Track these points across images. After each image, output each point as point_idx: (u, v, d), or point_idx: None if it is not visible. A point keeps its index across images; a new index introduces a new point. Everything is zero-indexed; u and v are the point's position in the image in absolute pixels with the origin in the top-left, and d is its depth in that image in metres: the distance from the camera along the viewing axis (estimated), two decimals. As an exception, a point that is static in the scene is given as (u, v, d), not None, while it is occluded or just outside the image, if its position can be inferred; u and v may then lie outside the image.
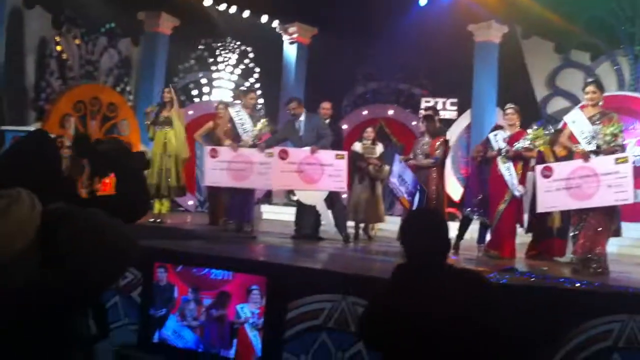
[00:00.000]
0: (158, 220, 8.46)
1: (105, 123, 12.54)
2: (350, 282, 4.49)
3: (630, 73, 12.78)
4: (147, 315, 5.02)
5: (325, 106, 8.27)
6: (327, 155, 7.69)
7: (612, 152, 6.11)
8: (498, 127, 7.59)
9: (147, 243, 5.46)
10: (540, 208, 6.75)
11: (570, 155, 7.52)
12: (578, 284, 4.73)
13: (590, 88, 6.43)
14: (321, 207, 7.95)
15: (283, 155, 7.62)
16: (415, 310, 2.50)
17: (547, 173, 6.56)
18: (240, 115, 8.04)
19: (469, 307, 2.50)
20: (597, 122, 6.22)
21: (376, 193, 8.81)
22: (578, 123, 6.39)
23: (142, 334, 5.04)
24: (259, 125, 7.98)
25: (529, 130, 7.13)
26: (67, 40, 13.43)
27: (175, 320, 4.90)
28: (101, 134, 12.37)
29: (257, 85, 15.56)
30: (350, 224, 8.69)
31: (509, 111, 7.37)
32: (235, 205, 8.12)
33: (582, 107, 6.59)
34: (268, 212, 13.32)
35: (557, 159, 7.44)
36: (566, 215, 7.23)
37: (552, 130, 6.86)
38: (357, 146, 8.87)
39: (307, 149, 7.68)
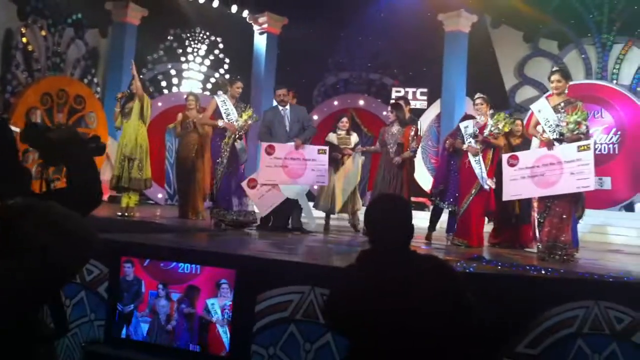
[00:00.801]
0: (126, 214, 8.36)
1: (72, 115, 12.36)
2: (319, 273, 4.48)
3: (597, 61, 12.94)
4: (113, 311, 4.96)
5: (280, 92, 8.14)
6: (310, 150, 7.86)
7: (576, 140, 6.18)
8: (468, 117, 7.64)
9: (113, 237, 5.40)
10: (506, 196, 6.81)
11: (524, 144, 7.63)
12: (544, 272, 4.78)
13: (554, 77, 6.49)
14: (303, 201, 8.11)
15: (270, 150, 7.67)
16: (378, 296, 2.48)
17: (512, 162, 6.62)
18: (226, 105, 7.85)
19: (432, 292, 2.48)
20: (562, 111, 6.29)
21: (374, 183, 8.72)
22: (543, 112, 6.46)
23: (109, 329, 4.98)
24: (245, 115, 7.77)
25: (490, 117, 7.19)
26: (33, 31, 13.18)
27: (143, 316, 4.85)
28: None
29: (227, 76, 15.45)
30: (321, 214, 8.72)
31: (477, 101, 7.42)
32: (220, 197, 7.87)
33: (548, 96, 6.66)
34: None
35: (512, 148, 7.53)
36: (525, 202, 7.33)
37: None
38: (332, 137, 8.83)
39: (292, 144, 7.74)
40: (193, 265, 4.75)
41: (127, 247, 5.16)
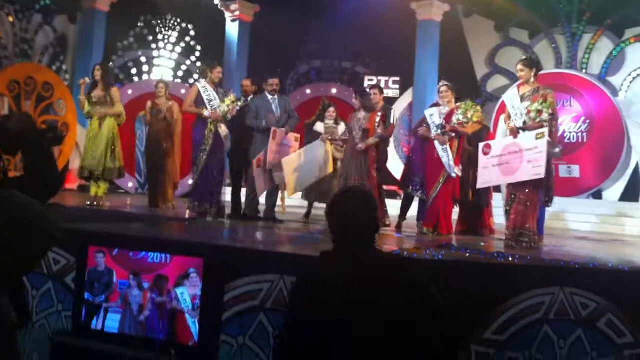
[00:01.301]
0: (95, 203, 8.26)
1: (40, 103, 12.13)
2: (288, 261, 4.47)
3: (567, 51, 13.08)
4: (81, 301, 4.90)
5: (273, 81, 8.06)
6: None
7: (537, 128, 6.20)
8: (435, 105, 7.67)
9: (80, 226, 5.34)
10: (479, 184, 6.88)
11: (482, 131, 7.68)
12: (510, 258, 4.83)
13: (518, 66, 6.55)
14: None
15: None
16: (340, 304, 2.36)
17: (486, 150, 6.67)
18: (207, 91, 7.66)
19: (399, 299, 2.39)
20: (527, 99, 6.33)
21: (337, 173, 8.61)
22: (512, 100, 6.53)
23: (77, 320, 4.92)
24: (227, 100, 7.59)
25: (459, 104, 7.22)
26: (0, 17, 12.93)
27: (115, 306, 4.79)
28: (36, 114, 11.98)
29: (198, 64, 15.30)
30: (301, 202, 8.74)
31: (442, 88, 7.47)
32: (203, 186, 7.71)
33: (519, 85, 6.68)
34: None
35: (472, 134, 7.56)
36: (483, 189, 7.39)
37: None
38: (319, 126, 8.77)
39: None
40: (162, 255, 4.71)
41: (94, 236, 5.10)
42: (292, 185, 8.03)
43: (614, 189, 12.15)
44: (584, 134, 12.16)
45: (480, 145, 6.82)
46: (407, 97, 14.14)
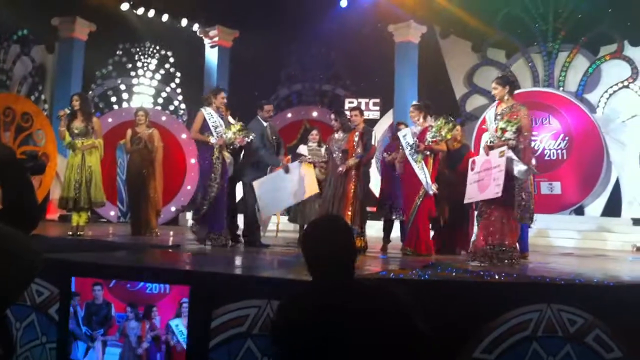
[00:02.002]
0: (79, 233, 8.18)
1: (19, 134, 12.06)
2: (275, 286, 4.44)
3: (544, 69, 13.26)
4: (66, 333, 4.82)
5: (269, 108, 8.15)
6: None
7: (502, 146, 6.27)
8: (400, 124, 7.85)
9: (63, 256, 5.27)
10: (466, 199, 6.94)
11: (462, 149, 7.80)
12: (497, 276, 4.83)
13: (492, 84, 6.64)
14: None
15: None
16: (321, 337, 2.29)
17: (472, 166, 6.76)
18: (213, 118, 7.53)
19: (382, 328, 2.30)
20: (502, 117, 6.40)
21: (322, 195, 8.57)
22: (490, 118, 6.66)
23: (61, 352, 4.83)
24: (233, 128, 7.44)
25: (433, 123, 7.26)
26: (-23, 49, 12.88)
27: (114, 340, 4.68)
28: (15, 145, 11.90)
29: (179, 91, 15.31)
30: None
31: (411, 109, 7.51)
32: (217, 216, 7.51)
33: (498, 103, 6.73)
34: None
35: (450, 152, 7.68)
36: (458, 207, 7.44)
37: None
38: (302, 149, 8.77)
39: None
40: (160, 285, 4.62)
41: (77, 266, 5.03)
42: (264, 208, 7.97)
43: (596, 205, 12.26)
44: (564, 151, 12.30)
45: (470, 160, 6.89)
46: (388, 118, 14.22)
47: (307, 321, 2.36)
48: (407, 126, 7.89)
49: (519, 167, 6.16)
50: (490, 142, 6.45)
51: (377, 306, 2.36)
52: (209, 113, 7.53)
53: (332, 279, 2.45)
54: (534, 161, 6.87)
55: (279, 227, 9.59)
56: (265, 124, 7.96)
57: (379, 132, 13.82)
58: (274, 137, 8.07)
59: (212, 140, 7.40)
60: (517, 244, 6.54)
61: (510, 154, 6.18)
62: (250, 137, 7.56)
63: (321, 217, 4.16)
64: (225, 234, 7.54)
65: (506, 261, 6.13)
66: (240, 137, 7.43)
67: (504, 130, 6.21)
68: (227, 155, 7.57)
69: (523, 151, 6.26)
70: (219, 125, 7.49)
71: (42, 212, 3.28)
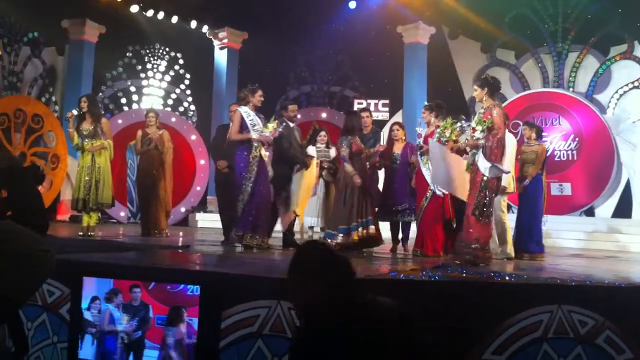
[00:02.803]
0: (90, 234, 8.22)
1: (30, 135, 12.13)
2: (284, 286, 4.44)
3: (553, 70, 13.21)
4: (76, 332, 4.84)
5: (294, 108, 8.11)
6: None
7: (474, 146, 6.37)
8: (394, 125, 7.93)
9: (73, 257, 5.30)
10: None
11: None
12: (507, 278, 4.82)
13: (474, 86, 6.73)
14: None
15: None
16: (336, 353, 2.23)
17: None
18: (250, 117, 7.30)
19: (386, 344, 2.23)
20: (479, 117, 6.48)
21: (330, 197, 8.47)
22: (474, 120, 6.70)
23: (72, 351, 4.85)
24: (270, 126, 7.27)
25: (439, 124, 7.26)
26: (-12, 51, 12.97)
27: (153, 342, 4.63)
28: (26, 146, 11.98)
29: (188, 92, 15.35)
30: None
31: (423, 110, 7.53)
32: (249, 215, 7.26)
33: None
34: (203, 220, 13.20)
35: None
36: (459, 209, 7.44)
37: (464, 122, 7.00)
38: (311, 150, 8.75)
39: None
40: (197, 287, 4.56)
41: (88, 266, 5.06)
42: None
43: (606, 206, 12.21)
44: (574, 152, 12.25)
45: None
46: (397, 119, 14.18)
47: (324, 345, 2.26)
48: (402, 127, 7.90)
49: (485, 165, 6.25)
50: (465, 140, 6.63)
51: (380, 325, 2.25)
52: (246, 112, 7.31)
53: (330, 320, 2.28)
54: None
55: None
56: (292, 124, 7.90)
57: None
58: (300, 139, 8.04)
59: (254, 135, 7.17)
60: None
61: (480, 152, 6.30)
62: (280, 128, 7.40)
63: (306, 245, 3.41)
64: (263, 234, 7.30)
65: (473, 259, 6.15)
66: (274, 132, 7.27)
67: (474, 130, 6.36)
68: (264, 154, 7.35)
69: (490, 149, 6.28)
70: (257, 123, 7.30)
71: (49, 218, 3.28)
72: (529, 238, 7.67)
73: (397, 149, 7.71)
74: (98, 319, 4.59)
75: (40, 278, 1.92)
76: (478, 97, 6.60)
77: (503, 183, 7.45)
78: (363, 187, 7.26)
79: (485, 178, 6.23)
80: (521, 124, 8.50)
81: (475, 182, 6.29)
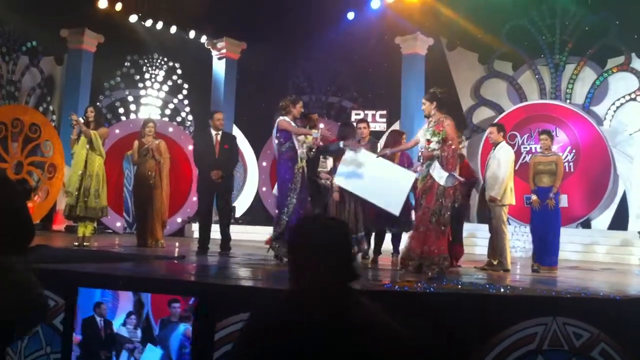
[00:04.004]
0: (85, 244, 8.20)
1: (27, 144, 12.13)
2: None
3: (551, 81, 13.25)
4: (69, 343, 4.82)
5: (314, 116, 8.20)
6: None
7: (429, 157, 6.50)
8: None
9: (68, 267, 5.29)
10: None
11: None
12: (502, 290, 4.81)
13: (422, 100, 6.88)
14: None
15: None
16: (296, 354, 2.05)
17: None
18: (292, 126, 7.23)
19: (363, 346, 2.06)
20: (429, 130, 6.59)
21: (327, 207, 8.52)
22: (423, 134, 6.78)
23: (66, 362, 4.82)
24: (310, 137, 7.11)
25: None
26: (-14, 61, 12.99)
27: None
28: (23, 155, 11.97)
29: (186, 102, 15.37)
30: None
31: (423, 100, 7.40)
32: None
33: (428, 120, 6.88)
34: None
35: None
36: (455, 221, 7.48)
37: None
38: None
39: None
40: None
41: (82, 277, 5.04)
42: None
43: (603, 218, 12.22)
44: (571, 163, 12.26)
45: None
46: (404, 131, 14.22)
47: (283, 334, 2.08)
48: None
49: (442, 175, 6.41)
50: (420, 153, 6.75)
51: (359, 324, 2.10)
52: (288, 122, 7.20)
53: (321, 292, 2.14)
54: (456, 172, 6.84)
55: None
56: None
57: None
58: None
59: (315, 133, 7.02)
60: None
61: (437, 163, 6.44)
62: (319, 136, 7.18)
63: (314, 217, 3.31)
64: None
65: (435, 270, 6.17)
66: (315, 140, 7.09)
67: (428, 142, 6.49)
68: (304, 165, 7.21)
69: (446, 159, 6.46)
70: None
71: (33, 233, 3.27)
72: (546, 250, 7.63)
73: (394, 158, 7.72)
74: (135, 335, 4.49)
75: (28, 326, 1.94)
76: (426, 111, 6.72)
77: (493, 193, 7.49)
78: (359, 199, 7.28)
79: (441, 187, 6.41)
80: (539, 132, 8.38)
81: (432, 191, 6.45)
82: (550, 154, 7.89)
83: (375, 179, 6.98)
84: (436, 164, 6.45)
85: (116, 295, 4.57)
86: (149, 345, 4.44)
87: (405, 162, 7.68)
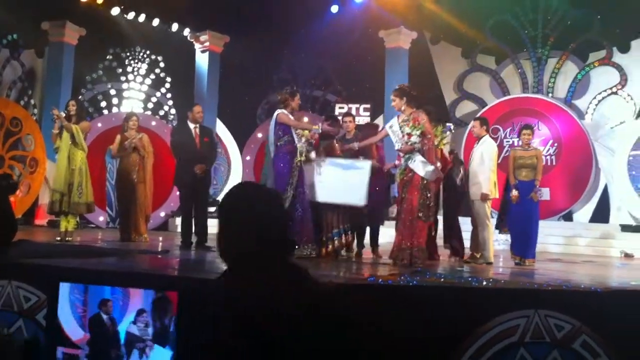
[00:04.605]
0: (67, 239, 8.14)
1: (8, 138, 11.98)
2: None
3: (533, 76, 13.33)
4: (53, 339, 4.78)
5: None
6: None
7: (409, 151, 6.59)
8: None
9: (50, 262, 5.24)
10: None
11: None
12: (485, 282, 4.85)
13: (391, 96, 6.93)
14: None
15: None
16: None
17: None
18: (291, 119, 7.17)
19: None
20: (404, 125, 6.69)
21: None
22: (393, 127, 6.87)
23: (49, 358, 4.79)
24: (307, 132, 7.03)
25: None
26: (-33, 54, 12.83)
27: None
28: (4, 149, 11.84)
29: (169, 96, 15.27)
30: None
31: (392, 96, 7.27)
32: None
33: (399, 115, 6.96)
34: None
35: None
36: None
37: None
38: None
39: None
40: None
41: (65, 272, 5.00)
42: None
43: (585, 211, 12.33)
44: (553, 157, 12.36)
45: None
46: (379, 124, 14.23)
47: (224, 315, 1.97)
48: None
49: (427, 168, 6.53)
50: (399, 148, 6.76)
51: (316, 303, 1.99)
52: (286, 115, 7.14)
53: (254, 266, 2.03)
54: (438, 163, 7.04)
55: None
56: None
57: (369, 137, 13.85)
58: None
59: (315, 130, 6.95)
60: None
61: (419, 156, 6.54)
62: (319, 130, 7.12)
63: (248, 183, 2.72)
64: (310, 243, 6.93)
65: (412, 262, 6.34)
66: (312, 133, 7.04)
67: (409, 135, 6.56)
68: (312, 157, 7.12)
69: (428, 152, 6.62)
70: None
71: (15, 228, 3.21)
72: (526, 243, 7.61)
73: (372, 151, 7.74)
74: (146, 333, 4.41)
75: None
76: (397, 107, 6.82)
77: (484, 190, 7.54)
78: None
79: (425, 181, 6.51)
80: (522, 126, 8.36)
81: (413, 184, 6.54)
82: (531, 148, 7.95)
83: (334, 181, 7.01)
84: (417, 157, 6.53)
85: (127, 293, 4.54)
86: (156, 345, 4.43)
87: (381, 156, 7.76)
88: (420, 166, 6.52)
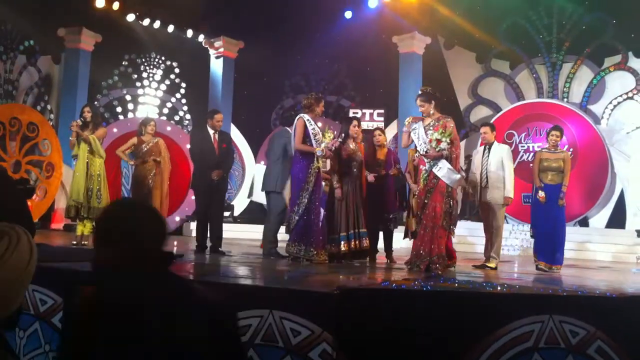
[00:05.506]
0: (83, 243, 8.21)
1: (25, 143, 12.11)
2: (277, 296, 4.44)
3: (548, 80, 13.28)
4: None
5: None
6: None
7: (438, 157, 6.47)
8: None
9: (67, 266, 5.29)
10: None
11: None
12: (499, 288, 4.83)
13: (418, 102, 6.78)
14: None
15: None
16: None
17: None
18: (312, 125, 7.07)
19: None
20: (431, 129, 6.58)
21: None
22: (417, 132, 6.71)
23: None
24: (327, 136, 7.03)
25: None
26: (-16, 60, 12.98)
27: None
28: (21, 154, 11.97)
29: (184, 101, 15.37)
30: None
31: (419, 100, 6.96)
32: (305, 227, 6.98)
33: (422, 119, 6.82)
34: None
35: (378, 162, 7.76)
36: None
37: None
38: None
39: None
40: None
41: (81, 275, 5.04)
42: None
43: (600, 216, 12.24)
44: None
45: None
46: (392, 129, 14.25)
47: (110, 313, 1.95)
48: (384, 133, 8.20)
49: (453, 176, 6.45)
50: (424, 152, 6.60)
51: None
52: (309, 120, 7.08)
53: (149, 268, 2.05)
54: (463, 173, 7.11)
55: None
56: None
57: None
58: None
59: (318, 152, 6.92)
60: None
61: (446, 163, 6.45)
62: (340, 138, 7.20)
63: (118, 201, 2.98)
64: (316, 248, 6.88)
65: (432, 269, 6.28)
66: (334, 142, 7.02)
67: (438, 141, 6.45)
68: (327, 162, 7.06)
69: (455, 160, 6.54)
70: (318, 132, 7.08)
71: (35, 227, 3.28)
72: (553, 249, 7.38)
73: (381, 155, 7.73)
74: None
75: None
76: (425, 111, 6.70)
77: (510, 194, 7.45)
78: (358, 197, 7.27)
79: (449, 188, 6.45)
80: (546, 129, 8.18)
81: (437, 191, 6.46)
82: (558, 150, 7.63)
83: None
84: (445, 164, 6.43)
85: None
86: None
87: (392, 159, 7.72)
88: (447, 173, 6.42)
